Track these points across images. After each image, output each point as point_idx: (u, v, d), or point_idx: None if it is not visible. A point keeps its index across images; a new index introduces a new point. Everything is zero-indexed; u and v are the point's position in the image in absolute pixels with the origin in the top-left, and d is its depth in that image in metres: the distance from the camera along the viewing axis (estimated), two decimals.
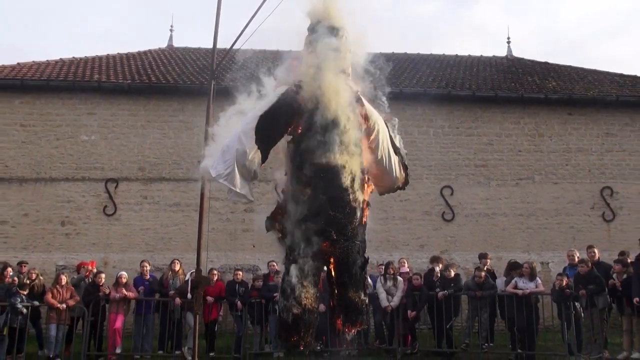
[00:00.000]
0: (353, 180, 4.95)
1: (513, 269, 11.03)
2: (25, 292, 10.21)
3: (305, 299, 4.76)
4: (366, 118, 5.23)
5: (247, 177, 5.18)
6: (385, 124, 5.49)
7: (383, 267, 11.43)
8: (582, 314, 10.30)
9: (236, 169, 5.09)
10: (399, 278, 11.08)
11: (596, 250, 11.03)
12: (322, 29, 5.05)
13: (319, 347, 10.43)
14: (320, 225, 4.81)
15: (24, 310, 10.01)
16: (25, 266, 11.35)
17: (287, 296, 4.82)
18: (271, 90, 5.27)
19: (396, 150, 5.60)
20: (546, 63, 19.27)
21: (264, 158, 5.16)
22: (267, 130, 5.03)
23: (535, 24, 52.62)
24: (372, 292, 10.46)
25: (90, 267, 11.59)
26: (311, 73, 4.97)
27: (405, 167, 5.78)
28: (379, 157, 5.35)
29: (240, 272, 11.61)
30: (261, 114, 5.07)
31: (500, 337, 11.39)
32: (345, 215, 4.89)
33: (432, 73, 17.45)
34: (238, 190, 5.18)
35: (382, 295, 10.90)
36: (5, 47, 45.75)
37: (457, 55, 20.02)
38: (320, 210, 4.80)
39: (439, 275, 11.14)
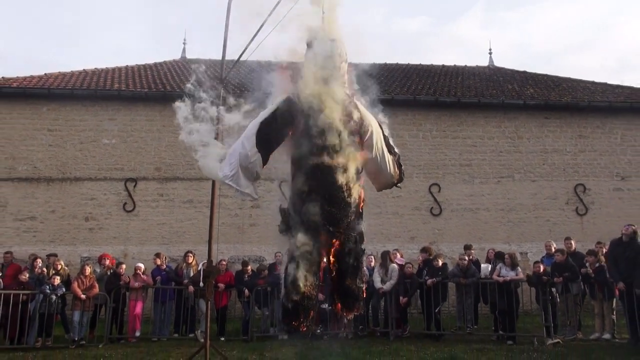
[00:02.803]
0: (348, 178, 4.93)
1: (498, 257, 11.07)
2: (57, 282, 10.22)
3: (304, 287, 4.76)
4: (361, 121, 5.20)
5: (250, 178, 5.18)
6: (380, 126, 5.47)
7: (373, 257, 11.58)
8: (558, 299, 10.31)
9: (240, 170, 5.10)
10: (394, 266, 11.12)
11: (573, 242, 11.04)
12: (318, 42, 5.02)
13: (318, 330, 10.42)
14: (317, 220, 4.80)
15: (53, 297, 10.04)
16: (55, 259, 11.35)
17: (288, 284, 4.83)
18: (272, 98, 5.26)
19: (390, 150, 5.56)
20: (524, 72, 19.27)
21: (265, 161, 5.15)
22: (267, 135, 5.02)
23: (512, 38, 52.82)
24: (368, 280, 10.47)
25: (109, 263, 11.52)
26: (309, 83, 4.96)
27: (399, 165, 5.74)
28: (374, 156, 5.32)
29: (249, 268, 11.49)
30: (261, 121, 5.07)
31: (484, 320, 11.39)
32: (340, 211, 4.87)
33: (421, 81, 17.44)
34: (243, 190, 5.18)
35: (377, 279, 10.99)
36: (34, 60, 45.82)
37: (443, 66, 20.00)
38: (317, 207, 4.79)
39: (421, 261, 11.19)
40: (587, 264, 10.25)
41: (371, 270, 11.24)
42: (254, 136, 5.03)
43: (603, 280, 9.96)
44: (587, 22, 54.37)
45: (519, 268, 10.67)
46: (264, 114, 5.14)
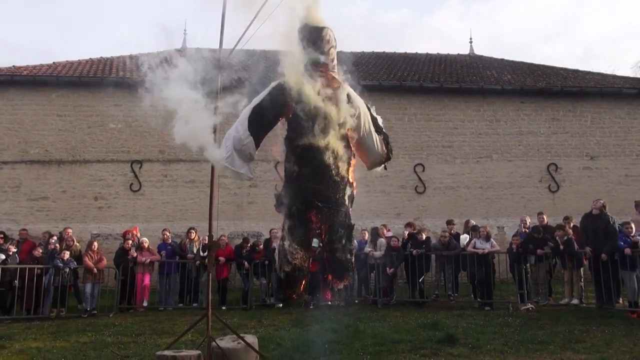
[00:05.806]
0: (335, 158, 4.90)
1: (473, 230, 11.14)
2: (66, 256, 10.18)
3: (295, 259, 4.77)
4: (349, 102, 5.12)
5: (244, 159, 5.14)
6: (367, 107, 5.40)
7: (366, 231, 11.64)
8: (531, 269, 10.40)
9: (234, 152, 5.07)
10: (382, 240, 11.19)
11: (545, 216, 11.11)
12: (307, 31, 4.93)
13: (311, 299, 10.44)
14: (307, 197, 4.79)
15: (67, 270, 10.01)
16: (69, 232, 11.30)
17: (281, 257, 4.84)
18: (265, 85, 5.19)
19: (378, 130, 5.50)
20: (502, 60, 19.11)
21: (257, 143, 5.11)
22: (259, 120, 4.99)
23: (489, 28, 52.53)
24: (357, 253, 10.49)
25: (135, 232, 11.48)
26: (298, 69, 4.89)
27: (387, 144, 5.68)
28: (361, 136, 5.27)
29: (249, 245, 11.42)
30: (254, 107, 5.03)
31: (464, 288, 11.49)
32: (328, 188, 4.85)
33: (407, 69, 17.28)
34: (238, 170, 5.15)
35: (368, 249, 11.16)
36: (43, 49, 45.00)
37: (427, 54, 19.80)
38: (306, 184, 4.78)
39: (406, 236, 11.26)
40: (557, 238, 10.32)
41: (363, 243, 11.33)
42: (247, 120, 4.99)
43: (571, 251, 10.05)
44: (554, 14, 54.27)
45: (492, 240, 10.76)
46: (256, 100, 5.09)
